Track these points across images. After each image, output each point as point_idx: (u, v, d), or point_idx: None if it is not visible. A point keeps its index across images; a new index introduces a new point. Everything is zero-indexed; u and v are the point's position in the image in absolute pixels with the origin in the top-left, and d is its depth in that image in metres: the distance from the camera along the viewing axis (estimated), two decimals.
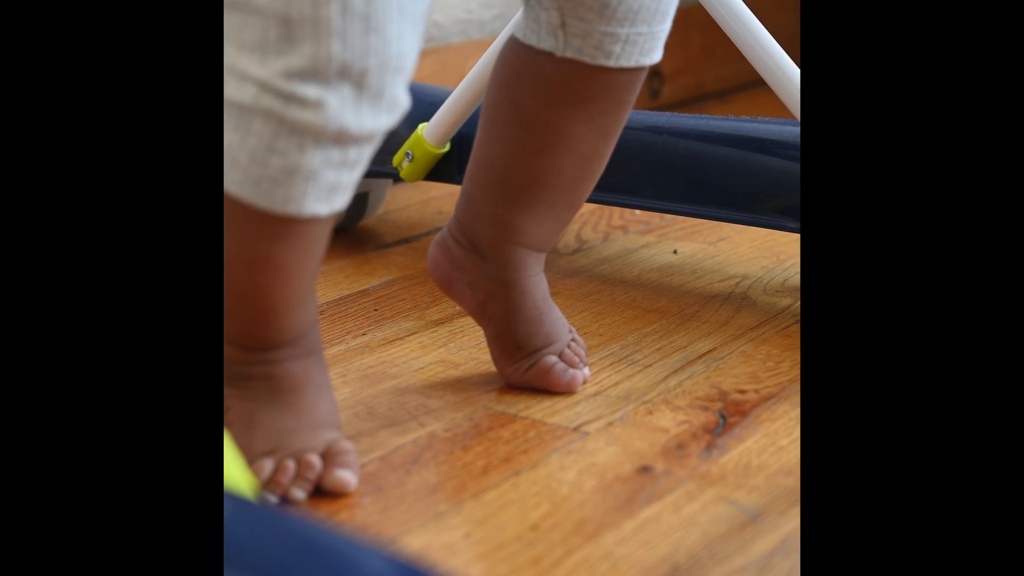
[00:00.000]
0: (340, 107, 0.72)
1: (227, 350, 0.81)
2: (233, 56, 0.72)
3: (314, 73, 0.71)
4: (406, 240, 1.31)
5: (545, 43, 0.88)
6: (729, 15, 1.06)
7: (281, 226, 0.75)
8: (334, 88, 0.71)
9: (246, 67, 0.72)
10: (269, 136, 0.73)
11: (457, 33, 1.68)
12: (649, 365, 1.00)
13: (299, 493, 0.79)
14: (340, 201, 0.76)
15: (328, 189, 0.74)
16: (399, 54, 0.72)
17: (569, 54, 0.87)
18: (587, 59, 0.87)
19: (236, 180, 0.74)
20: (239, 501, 0.58)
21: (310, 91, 0.71)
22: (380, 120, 0.74)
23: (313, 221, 0.76)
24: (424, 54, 1.58)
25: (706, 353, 1.03)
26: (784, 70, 1.05)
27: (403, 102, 0.75)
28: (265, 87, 0.72)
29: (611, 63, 0.87)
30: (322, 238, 0.78)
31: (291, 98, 0.71)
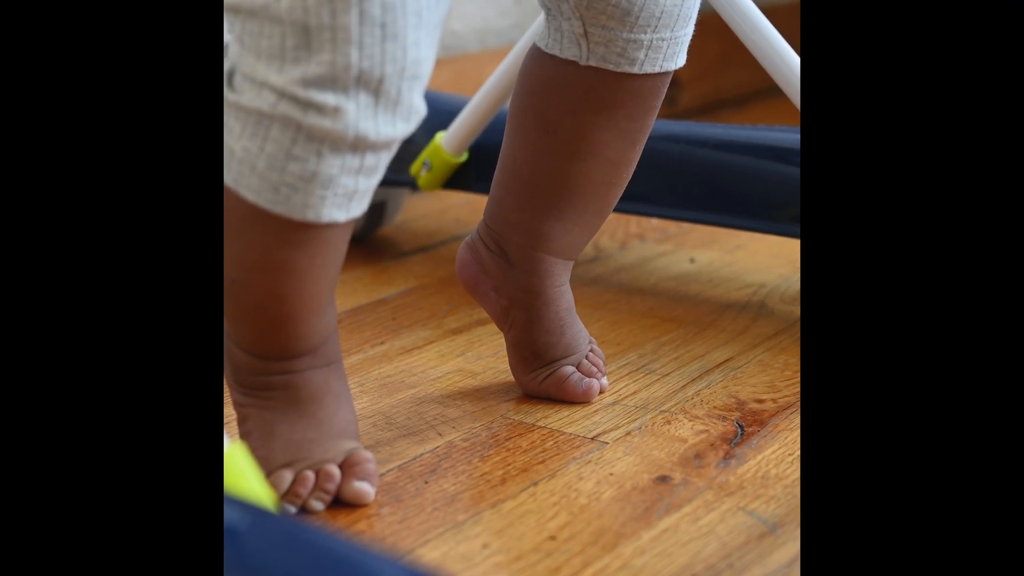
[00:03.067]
0: (358, 114, 0.72)
1: (245, 359, 0.81)
2: (251, 64, 0.73)
3: (332, 81, 0.71)
4: (424, 249, 1.31)
5: (568, 52, 0.88)
6: (744, 21, 1.06)
7: (299, 232, 0.75)
8: (352, 96, 0.71)
9: (264, 75, 0.72)
10: (287, 143, 0.73)
11: (474, 42, 1.68)
12: (667, 374, 1.00)
13: (317, 504, 0.79)
14: (358, 207, 0.76)
15: (346, 195, 0.75)
16: (416, 61, 0.73)
17: (593, 62, 0.88)
18: (611, 66, 0.87)
19: (254, 187, 0.74)
20: (256, 511, 0.59)
21: (328, 98, 0.71)
22: (398, 127, 0.74)
23: (331, 227, 0.76)
24: (441, 63, 1.58)
25: (724, 362, 1.03)
26: (797, 75, 1.05)
27: (420, 109, 0.75)
28: (283, 95, 0.72)
29: (635, 69, 0.87)
30: (340, 245, 0.78)
31: (309, 105, 0.72)
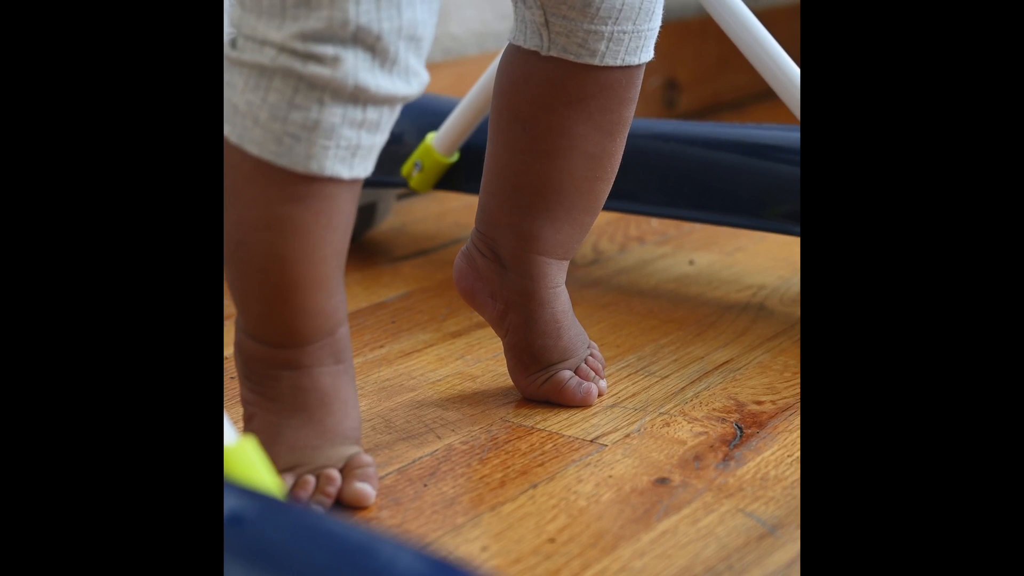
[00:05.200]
0: (356, 65, 0.73)
1: (254, 347, 0.80)
2: (252, 24, 0.74)
3: (330, 36, 0.72)
4: (423, 252, 1.31)
5: (531, 42, 0.89)
6: (736, 23, 1.06)
7: (302, 186, 0.75)
8: (350, 49, 0.73)
9: (264, 32, 0.73)
10: (289, 92, 0.74)
11: (473, 45, 1.68)
12: (666, 376, 1.00)
13: (318, 508, 0.79)
14: (360, 166, 0.76)
15: (348, 149, 0.75)
16: (412, 22, 0.73)
17: (554, 53, 0.88)
18: (572, 57, 0.88)
19: (257, 139, 0.74)
20: (271, 502, 0.59)
21: (327, 49, 0.72)
22: (397, 85, 0.74)
23: (334, 183, 0.76)
24: (441, 66, 1.59)
25: (723, 364, 1.03)
26: (791, 78, 1.05)
27: (421, 73, 0.75)
28: (283, 49, 0.73)
29: (596, 61, 0.87)
30: (344, 207, 0.77)
31: (309, 56, 0.73)
